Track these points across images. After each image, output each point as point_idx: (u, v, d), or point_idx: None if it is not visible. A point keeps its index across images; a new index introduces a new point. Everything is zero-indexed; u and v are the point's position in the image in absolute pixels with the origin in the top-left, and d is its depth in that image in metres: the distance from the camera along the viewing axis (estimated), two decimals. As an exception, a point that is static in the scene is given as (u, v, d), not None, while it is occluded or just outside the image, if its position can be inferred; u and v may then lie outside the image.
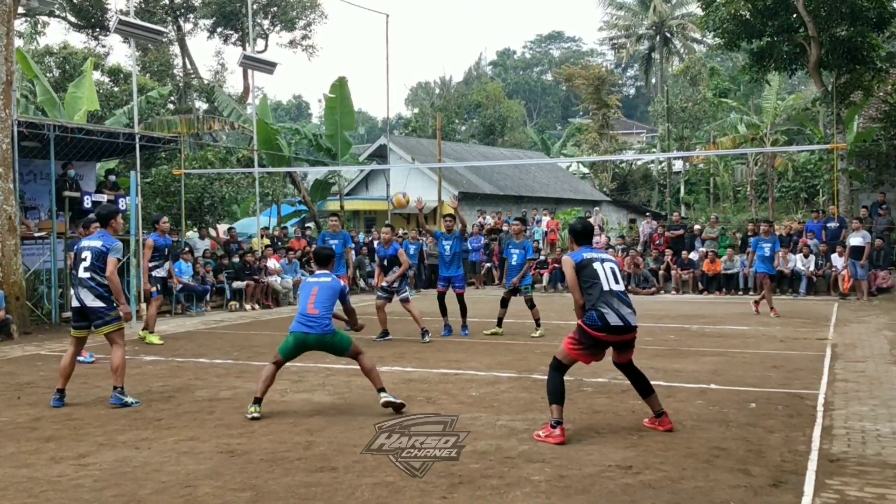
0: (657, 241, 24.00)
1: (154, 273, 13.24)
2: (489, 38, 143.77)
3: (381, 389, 7.41)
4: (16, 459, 6.05)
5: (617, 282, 6.59)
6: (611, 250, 23.71)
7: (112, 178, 19.21)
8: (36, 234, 16.12)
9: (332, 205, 32.21)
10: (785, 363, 9.94)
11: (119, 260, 8.32)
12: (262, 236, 22.46)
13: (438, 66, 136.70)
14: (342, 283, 7.96)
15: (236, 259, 19.57)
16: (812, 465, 5.61)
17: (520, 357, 10.70)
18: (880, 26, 21.66)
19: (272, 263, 19.59)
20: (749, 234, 22.05)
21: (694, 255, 22.66)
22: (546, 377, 6.72)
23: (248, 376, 9.43)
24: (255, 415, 7.20)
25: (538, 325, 12.90)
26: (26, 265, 15.41)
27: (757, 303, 16.27)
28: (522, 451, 6.04)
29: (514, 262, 13.06)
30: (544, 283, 23.30)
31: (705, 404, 7.59)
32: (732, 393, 8.12)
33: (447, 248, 13.26)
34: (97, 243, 8.19)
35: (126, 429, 6.94)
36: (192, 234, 21.29)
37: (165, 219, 13.73)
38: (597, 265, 6.59)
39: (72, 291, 8.26)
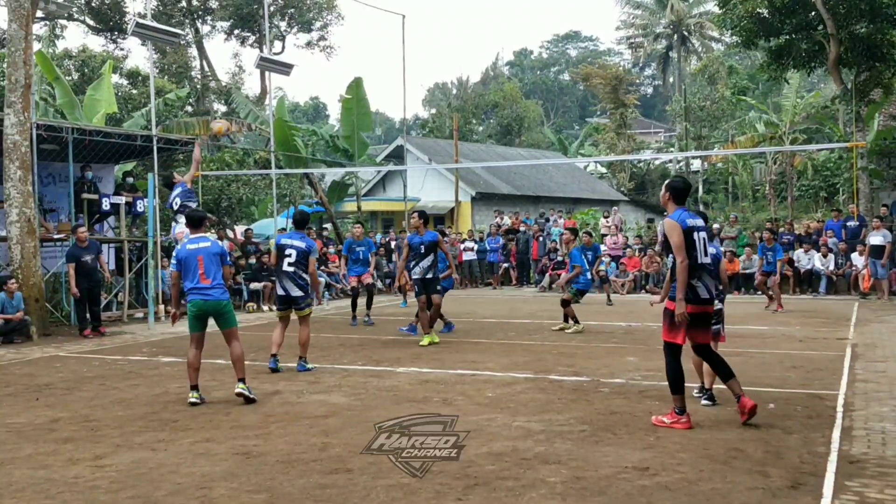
0: (675, 241, 23.83)
1: (414, 275, 12.45)
2: (506, 38, 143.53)
3: (240, 380, 8.05)
4: (33, 461, 6.08)
5: (706, 254, 6.59)
6: (628, 250, 23.62)
7: (130, 180, 19.30)
8: (55, 237, 16.22)
9: (350, 206, 32.26)
10: (804, 363, 9.85)
11: (316, 259, 10.27)
12: (279, 237, 22.47)
13: (455, 66, 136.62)
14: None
15: (253, 260, 19.61)
16: (831, 467, 5.55)
17: (537, 358, 10.66)
18: (901, 23, 21.44)
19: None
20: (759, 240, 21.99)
21: (712, 255, 22.49)
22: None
23: (265, 377, 9.45)
24: (195, 400, 8.00)
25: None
26: (45, 267, 15.52)
27: (773, 300, 16.39)
28: (538, 453, 6.00)
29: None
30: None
31: (723, 405, 7.53)
32: (751, 394, 7.98)
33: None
34: (301, 244, 9.96)
35: (142, 430, 6.96)
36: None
37: (416, 214, 12.80)
38: (696, 235, 6.57)
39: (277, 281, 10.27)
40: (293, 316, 10.10)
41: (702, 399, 7.61)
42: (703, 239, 6.59)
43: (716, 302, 7.25)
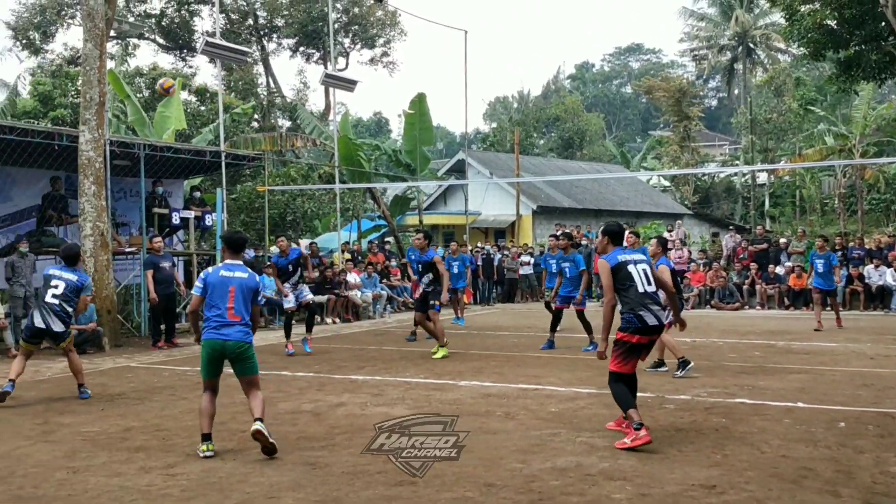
0: (741, 255, 23.51)
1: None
2: (567, 51, 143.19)
3: (259, 419, 6.51)
4: (107, 469, 6.26)
5: (650, 283, 6.87)
6: (693, 264, 23.31)
7: (197, 194, 19.72)
8: (126, 250, 16.65)
9: (411, 219, 32.44)
10: (875, 381, 9.61)
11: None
12: (342, 251, 22.75)
13: (517, 80, 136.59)
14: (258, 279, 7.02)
15: (317, 273, 19.80)
16: (905, 488, 5.42)
17: (600, 373, 10.51)
18: (976, 33, 20.84)
19: (352, 278, 19.83)
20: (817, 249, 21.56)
21: (780, 270, 22.14)
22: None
23: (330, 389, 9.57)
24: (208, 453, 6.52)
25: None
26: (117, 280, 15.93)
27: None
28: (603, 469, 5.97)
29: None
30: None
31: (792, 423, 7.40)
32: (820, 412, 7.89)
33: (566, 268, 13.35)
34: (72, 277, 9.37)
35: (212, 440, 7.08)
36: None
37: (421, 234, 13.35)
38: (631, 267, 6.87)
39: None
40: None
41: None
42: (644, 270, 6.88)
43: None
